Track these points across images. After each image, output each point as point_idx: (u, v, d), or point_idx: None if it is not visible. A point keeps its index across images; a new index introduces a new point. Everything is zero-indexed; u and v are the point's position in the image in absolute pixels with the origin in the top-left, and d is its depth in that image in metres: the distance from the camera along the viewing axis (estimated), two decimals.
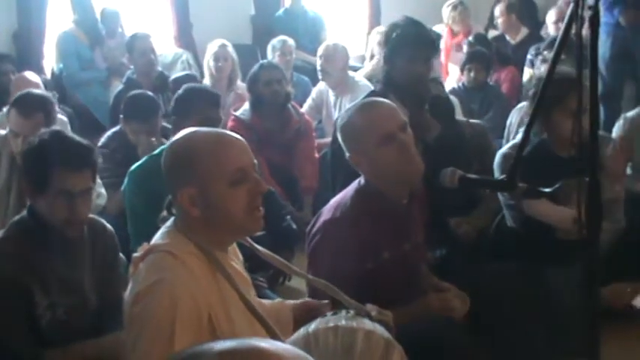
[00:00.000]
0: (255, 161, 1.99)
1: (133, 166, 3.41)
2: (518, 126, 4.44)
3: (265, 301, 2.33)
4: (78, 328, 2.51)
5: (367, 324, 2.00)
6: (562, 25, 1.88)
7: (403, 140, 2.54)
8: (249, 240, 2.15)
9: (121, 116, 4.11)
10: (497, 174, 3.55)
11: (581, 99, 1.81)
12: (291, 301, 2.34)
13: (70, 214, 2.44)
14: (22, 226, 2.49)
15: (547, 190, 2.10)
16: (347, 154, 2.62)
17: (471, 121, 4.19)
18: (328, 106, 5.66)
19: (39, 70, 5.80)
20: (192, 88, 3.65)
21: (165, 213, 2.05)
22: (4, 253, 2.43)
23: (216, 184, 1.90)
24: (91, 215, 2.64)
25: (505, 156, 3.60)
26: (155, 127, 3.94)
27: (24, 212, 2.54)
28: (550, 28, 5.90)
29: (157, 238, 1.99)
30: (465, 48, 6.45)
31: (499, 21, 6.75)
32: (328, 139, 5.12)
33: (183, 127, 3.18)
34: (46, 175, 2.42)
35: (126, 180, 3.40)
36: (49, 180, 2.42)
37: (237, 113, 4.92)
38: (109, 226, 2.74)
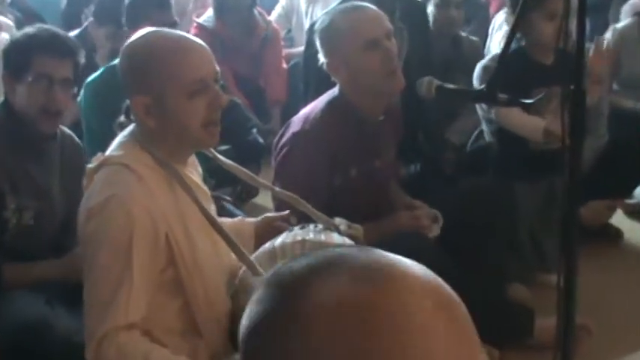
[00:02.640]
0: (218, 69, 1.95)
1: (89, 78, 3.34)
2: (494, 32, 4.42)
3: (225, 219, 2.32)
4: (43, 237, 2.51)
5: (336, 238, 2.02)
6: None
7: (388, 48, 2.51)
8: (213, 151, 2.13)
9: (91, 19, 4.00)
10: (476, 86, 3.53)
11: (568, 1, 1.77)
12: (252, 219, 2.33)
13: (48, 102, 2.43)
14: None
15: (529, 101, 2.09)
16: (324, 60, 2.59)
17: (470, 37, 4.19)
18: (299, 14, 5.57)
19: None
20: None
21: (122, 118, 2.01)
22: None
23: (173, 95, 1.86)
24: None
25: (485, 68, 3.57)
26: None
27: None
28: None
29: (112, 149, 1.96)
30: None
31: None
32: (298, 49, 5.05)
33: None
34: (28, 60, 2.43)
35: (82, 92, 3.34)
36: (30, 64, 2.43)
37: (200, 20, 4.83)
38: (76, 138, 2.73)
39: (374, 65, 2.51)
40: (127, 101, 1.96)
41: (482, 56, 4.08)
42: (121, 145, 1.95)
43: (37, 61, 2.43)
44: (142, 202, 1.83)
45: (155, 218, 1.84)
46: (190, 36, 1.98)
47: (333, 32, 2.57)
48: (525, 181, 3.16)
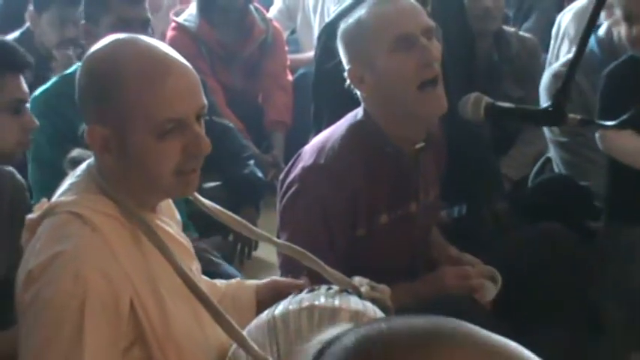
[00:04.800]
0: (205, 103, 1.92)
1: (37, 91, 3.34)
2: (564, 36, 4.40)
3: (217, 282, 2.30)
4: None
5: (354, 303, 2.00)
6: None
7: (424, 46, 2.50)
8: (195, 194, 2.11)
9: (30, 9, 4.02)
10: (543, 101, 3.52)
11: None
12: (254, 282, 2.31)
13: None
14: None
15: (610, 123, 2.07)
16: (346, 69, 2.59)
17: (521, 33, 4.17)
18: (305, 10, 5.60)
19: None
20: None
21: (75, 153, 2.00)
22: None
23: (138, 131, 1.85)
24: None
25: (557, 76, 3.55)
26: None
27: None
28: None
29: (60, 193, 1.95)
30: None
31: None
32: (306, 55, 5.06)
33: (96, 37, 3.13)
34: None
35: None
36: None
37: (180, 19, 4.84)
38: (18, 175, 2.74)
39: (406, 70, 2.50)
40: (83, 126, 1.95)
41: (537, 58, 4.06)
42: (73, 187, 1.93)
43: None
44: (97, 261, 1.81)
45: (115, 282, 1.82)
46: (175, 54, 1.93)
47: (356, 30, 2.57)
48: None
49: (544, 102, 3.45)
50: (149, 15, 3.33)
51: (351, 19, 2.61)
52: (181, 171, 1.88)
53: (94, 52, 1.93)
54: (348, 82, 2.60)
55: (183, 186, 1.92)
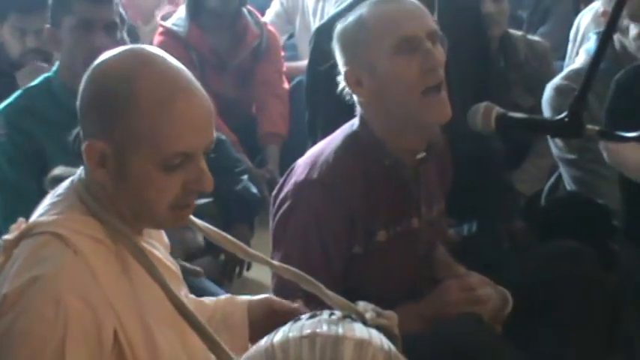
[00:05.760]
0: (214, 137, 1.90)
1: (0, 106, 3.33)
2: (584, 38, 4.41)
3: (207, 299, 2.30)
4: None
5: (359, 330, 1.98)
6: None
7: (428, 50, 2.50)
8: None
9: None
10: (546, 114, 3.53)
11: None
12: (246, 297, 2.31)
13: None
14: None
15: (633, 134, 2.08)
16: (342, 71, 2.60)
17: (530, 37, 4.17)
18: (304, 12, 5.62)
19: None
20: None
21: (57, 171, 1.99)
22: None
23: (141, 157, 1.83)
24: None
25: (558, 89, 3.57)
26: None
27: None
28: None
29: (41, 212, 1.93)
30: None
31: None
32: (304, 62, 5.06)
33: (59, 40, 3.13)
34: None
35: None
36: None
37: (168, 24, 4.86)
38: None
39: (408, 74, 2.50)
40: (77, 131, 1.93)
41: (548, 63, 4.07)
42: (54, 206, 1.91)
43: None
44: (78, 287, 1.79)
45: (97, 310, 1.80)
46: (193, 79, 1.90)
47: (356, 30, 2.57)
48: None
49: (547, 115, 3.47)
50: (116, 19, 3.29)
51: (350, 19, 2.61)
52: (177, 205, 1.88)
53: (104, 62, 1.90)
54: (342, 85, 2.60)
55: (175, 219, 1.92)
